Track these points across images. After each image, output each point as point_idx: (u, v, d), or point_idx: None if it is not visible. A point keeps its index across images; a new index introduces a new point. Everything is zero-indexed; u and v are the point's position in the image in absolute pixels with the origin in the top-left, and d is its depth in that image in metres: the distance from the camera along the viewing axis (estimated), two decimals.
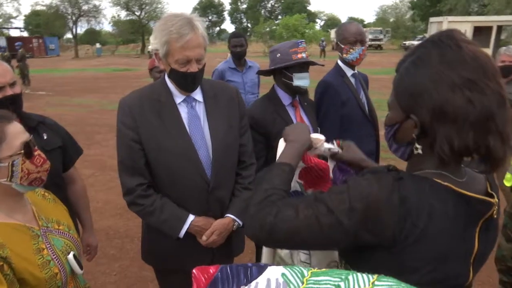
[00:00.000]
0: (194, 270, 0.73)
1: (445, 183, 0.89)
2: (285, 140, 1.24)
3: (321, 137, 1.29)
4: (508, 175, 2.63)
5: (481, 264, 0.98)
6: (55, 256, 1.29)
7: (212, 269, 0.72)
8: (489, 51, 16.30)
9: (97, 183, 5.40)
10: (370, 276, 0.68)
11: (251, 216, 1.00)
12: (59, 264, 1.28)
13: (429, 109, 0.87)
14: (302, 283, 0.67)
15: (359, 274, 0.69)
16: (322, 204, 0.92)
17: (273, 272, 0.69)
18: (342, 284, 0.67)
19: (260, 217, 0.97)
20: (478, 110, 0.83)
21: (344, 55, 2.50)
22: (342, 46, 2.48)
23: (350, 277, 0.68)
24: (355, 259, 0.97)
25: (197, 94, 1.68)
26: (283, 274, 0.69)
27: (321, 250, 1.19)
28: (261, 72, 2.47)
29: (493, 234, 0.98)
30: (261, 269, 0.70)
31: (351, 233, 0.88)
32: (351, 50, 2.46)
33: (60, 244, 1.34)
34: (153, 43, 1.54)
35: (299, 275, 0.68)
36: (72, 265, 1.33)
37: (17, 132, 1.23)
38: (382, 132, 5.65)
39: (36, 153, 1.26)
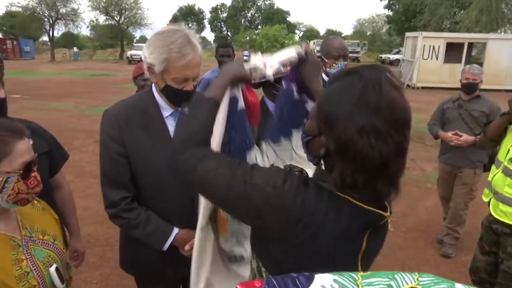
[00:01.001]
0: (237, 286, 0.70)
1: (343, 195, 0.95)
2: (221, 74, 1.29)
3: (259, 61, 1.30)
4: (486, 191, 2.77)
5: (371, 260, 1.06)
6: (34, 267, 1.25)
7: (257, 283, 0.70)
8: (460, 66, 16.91)
9: (76, 189, 5.29)
10: (412, 274, 0.71)
11: (176, 152, 1.08)
12: (38, 276, 1.25)
13: (335, 141, 0.92)
14: (357, 286, 0.68)
15: (403, 273, 0.71)
16: (241, 171, 1.00)
17: (324, 279, 0.69)
18: (392, 283, 0.68)
19: (185, 154, 1.06)
20: (377, 158, 0.88)
21: (328, 69, 2.60)
22: (326, 60, 2.58)
23: (397, 276, 0.69)
24: (261, 247, 1.07)
25: (185, 108, 1.66)
26: (335, 280, 0.68)
27: (227, 211, 1.23)
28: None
29: (382, 235, 1.06)
30: (309, 278, 0.70)
31: (255, 211, 0.98)
32: (334, 64, 2.57)
33: (42, 255, 1.30)
34: (149, 57, 1.49)
35: (351, 279, 0.69)
36: (53, 278, 1.30)
37: (24, 150, 1.22)
38: None
39: (33, 174, 1.24)
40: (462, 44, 18.18)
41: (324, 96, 0.98)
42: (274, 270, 1.05)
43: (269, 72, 1.31)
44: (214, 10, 70.54)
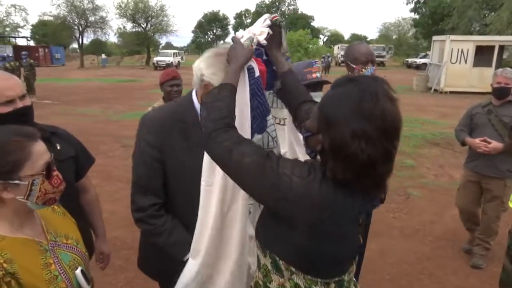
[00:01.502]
0: None
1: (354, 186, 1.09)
2: (228, 62, 1.41)
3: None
4: (511, 197, 2.65)
5: (367, 230, 1.37)
6: (62, 271, 1.28)
7: None
8: (491, 70, 16.40)
9: (103, 193, 5.41)
10: None
11: (210, 132, 1.18)
12: (66, 279, 1.27)
13: (330, 141, 1.04)
14: None
15: None
16: (270, 161, 1.11)
17: None
18: None
19: (222, 136, 1.16)
20: (365, 160, 1.00)
21: (356, 75, 2.56)
22: (354, 66, 2.54)
23: None
24: (277, 241, 1.18)
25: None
26: None
27: (255, 198, 1.27)
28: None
29: (371, 210, 1.27)
30: None
31: (283, 198, 1.08)
32: (363, 69, 2.53)
33: (68, 259, 1.33)
34: (209, 77, 1.49)
35: None
36: (79, 280, 1.32)
37: (42, 152, 1.24)
38: None
39: (54, 173, 1.27)
40: (492, 47, 17.63)
41: (327, 99, 1.10)
42: (294, 257, 1.16)
43: (262, 38, 1.49)
44: (239, 16, 71.19)
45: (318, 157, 1.16)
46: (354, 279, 1.34)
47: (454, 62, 17.79)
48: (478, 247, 3.72)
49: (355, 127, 0.99)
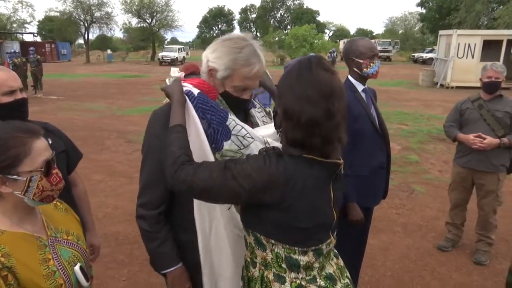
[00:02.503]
0: None
1: (310, 156, 1.25)
2: (171, 101, 1.50)
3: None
4: None
5: (339, 206, 1.39)
6: (61, 267, 1.29)
7: None
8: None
9: (107, 188, 5.46)
10: None
11: (171, 175, 1.31)
12: (64, 275, 1.28)
13: (282, 108, 1.27)
14: None
15: None
16: (229, 171, 1.24)
17: None
18: None
19: (180, 175, 1.29)
20: (307, 117, 1.20)
21: (364, 69, 2.52)
22: (361, 61, 2.50)
23: None
24: (255, 220, 1.33)
25: None
26: None
27: (233, 204, 1.49)
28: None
29: (339, 183, 1.37)
30: None
31: (250, 194, 1.23)
32: (371, 64, 2.50)
33: (68, 255, 1.34)
34: (214, 61, 1.50)
35: None
36: (78, 276, 1.33)
37: (42, 149, 1.25)
38: (393, 144, 5.73)
39: (54, 171, 1.27)
40: (500, 42, 17.41)
41: (280, 79, 1.33)
42: (271, 231, 1.30)
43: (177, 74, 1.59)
44: (244, 11, 70.94)
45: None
46: (335, 251, 1.49)
47: (461, 56, 17.62)
48: (481, 242, 3.69)
49: (297, 92, 1.23)
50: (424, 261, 3.69)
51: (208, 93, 1.53)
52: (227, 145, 1.52)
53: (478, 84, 3.64)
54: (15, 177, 1.20)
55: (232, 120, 1.53)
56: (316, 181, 1.27)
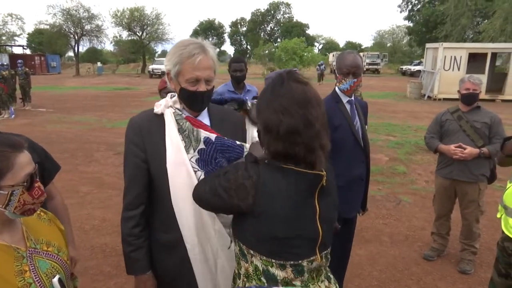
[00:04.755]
0: None
1: (288, 166, 1.26)
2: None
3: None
4: (499, 207, 2.64)
5: (330, 224, 1.39)
6: (37, 278, 1.27)
7: None
8: (484, 77, 16.54)
9: (94, 200, 5.42)
10: None
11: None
12: (40, 287, 1.27)
13: (261, 123, 1.30)
14: None
15: None
16: (217, 180, 1.33)
17: None
18: None
19: (194, 192, 1.47)
20: (286, 127, 1.22)
21: (338, 84, 2.61)
22: (337, 75, 2.60)
23: None
24: (237, 227, 1.37)
25: (205, 118, 1.74)
26: None
27: (221, 213, 1.56)
28: (257, 98, 2.59)
29: (330, 199, 1.36)
30: None
31: (230, 203, 1.29)
32: (343, 81, 2.57)
33: (46, 267, 1.32)
34: (166, 64, 1.64)
35: None
36: None
37: (25, 163, 1.24)
38: (376, 155, 5.79)
39: (36, 185, 1.27)
40: (485, 55, 17.81)
41: (257, 98, 1.40)
42: (249, 240, 1.31)
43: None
44: (234, 24, 71.47)
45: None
46: (330, 274, 1.43)
47: (447, 69, 17.96)
48: (465, 252, 3.74)
49: (273, 105, 1.26)
50: (411, 270, 3.73)
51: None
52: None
53: None
54: None
55: (245, 148, 1.67)
56: (294, 190, 1.26)
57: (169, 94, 1.74)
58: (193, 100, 1.65)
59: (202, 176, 1.60)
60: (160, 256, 1.76)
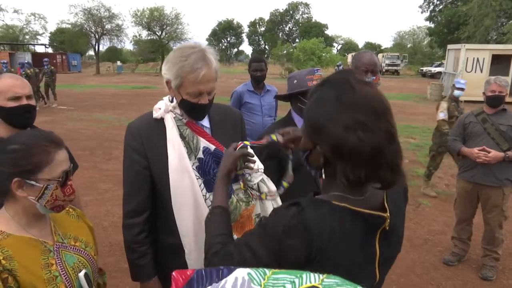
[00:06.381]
0: (173, 273, 0.82)
1: (342, 204, 1.00)
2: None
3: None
4: None
5: (389, 266, 1.15)
6: (63, 272, 1.31)
7: (189, 272, 0.82)
8: (508, 79, 16.12)
9: (114, 197, 5.50)
10: (320, 274, 0.77)
11: (209, 254, 1.18)
12: (66, 281, 1.30)
13: (328, 145, 0.98)
14: (264, 279, 0.77)
15: (311, 273, 0.77)
16: (248, 250, 1.04)
17: (240, 272, 0.79)
18: (296, 280, 0.75)
19: (218, 258, 1.12)
20: (369, 148, 0.93)
21: None
22: None
23: (304, 275, 0.76)
24: None
25: (205, 120, 1.70)
26: (248, 273, 0.78)
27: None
28: (278, 97, 2.56)
29: (395, 240, 1.12)
30: (231, 270, 0.80)
31: (273, 263, 0.97)
32: None
33: (72, 261, 1.36)
34: (166, 73, 1.55)
35: (261, 273, 0.78)
36: (82, 283, 1.35)
37: (62, 160, 1.30)
38: None
39: (69, 182, 1.32)
40: (509, 56, 17.38)
41: (307, 109, 1.05)
42: None
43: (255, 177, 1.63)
44: (253, 24, 71.59)
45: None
46: None
47: (470, 71, 17.58)
48: (487, 257, 3.65)
49: (344, 120, 0.95)
50: (430, 275, 3.66)
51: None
52: (235, 186, 1.61)
53: None
54: (33, 182, 1.24)
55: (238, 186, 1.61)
56: (348, 237, 1.00)
57: (166, 97, 1.66)
58: (195, 112, 1.61)
59: (202, 185, 1.58)
60: (165, 258, 1.74)
